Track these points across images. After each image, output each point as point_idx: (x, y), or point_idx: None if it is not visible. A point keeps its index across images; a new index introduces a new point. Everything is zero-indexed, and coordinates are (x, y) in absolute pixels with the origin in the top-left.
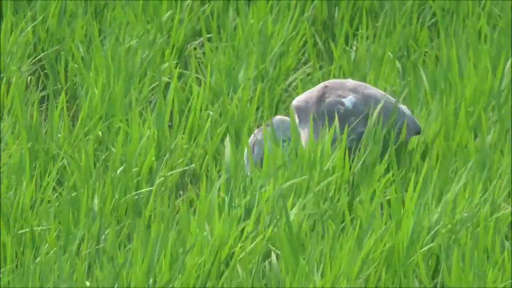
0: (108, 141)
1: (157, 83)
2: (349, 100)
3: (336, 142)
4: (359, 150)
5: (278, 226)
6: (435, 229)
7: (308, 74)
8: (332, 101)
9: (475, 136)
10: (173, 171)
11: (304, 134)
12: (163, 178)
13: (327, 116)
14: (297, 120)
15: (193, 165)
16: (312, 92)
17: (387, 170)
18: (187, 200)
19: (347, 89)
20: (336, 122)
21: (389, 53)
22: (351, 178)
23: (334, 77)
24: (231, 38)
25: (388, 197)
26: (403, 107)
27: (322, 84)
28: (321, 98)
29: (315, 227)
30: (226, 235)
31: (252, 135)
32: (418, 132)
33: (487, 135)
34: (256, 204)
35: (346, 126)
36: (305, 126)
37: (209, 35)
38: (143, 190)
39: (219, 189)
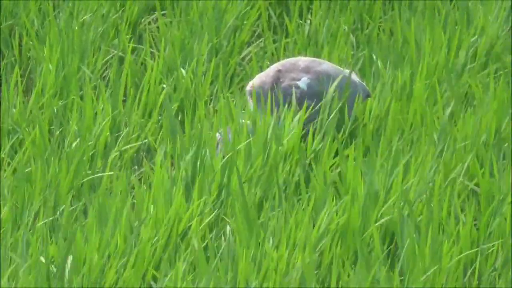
0: (63, 117)
1: (111, 55)
2: (303, 82)
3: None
4: (316, 127)
5: (231, 197)
6: (389, 202)
7: (262, 48)
8: (286, 85)
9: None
10: (128, 146)
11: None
12: (118, 153)
13: (285, 101)
14: (252, 105)
15: (148, 140)
16: (266, 77)
17: (343, 146)
18: (143, 175)
19: (299, 70)
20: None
21: (344, 26)
22: (309, 155)
23: (288, 51)
24: (185, 12)
25: (339, 171)
26: (353, 76)
27: (274, 68)
28: (275, 82)
29: (268, 198)
30: (180, 209)
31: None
32: (368, 96)
33: (445, 106)
34: (201, 173)
35: (305, 106)
36: (263, 112)
37: (163, 12)
38: (98, 165)
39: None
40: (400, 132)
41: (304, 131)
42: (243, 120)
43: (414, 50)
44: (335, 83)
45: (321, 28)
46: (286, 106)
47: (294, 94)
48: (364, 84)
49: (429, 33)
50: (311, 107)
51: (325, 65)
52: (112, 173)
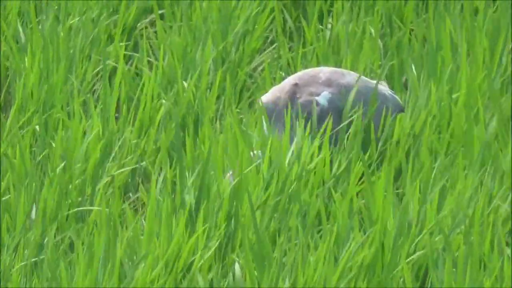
0: (47, 136)
1: (103, 65)
2: (323, 97)
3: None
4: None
5: (241, 230)
6: (422, 234)
7: (276, 57)
8: (305, 101)
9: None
10: (121, 170)
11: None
12: (109, 178)
13: (302, 120)
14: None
15: (144, 163)
16: (280, 91)
17: (370, 169)
18: (138, 203)
19: (320, 83)
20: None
21: (371, 29)
22: (330, 180)
23: (306, 60)
24: (187, 16)
25: (364, 199)
26: (382, 87)
27: (291, 81)
28: (292, 98)
29: (283, 230)
30: (180, 242)
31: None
32: (401, 110)
33: (487, 126)
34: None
35: (329, 125)
36: (279, 132)
37: (161, 11)
38: (87, 192)
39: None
40: (436, 153)
41: (321, 144)
42: (254, 152)
43: (450, 58)
44: (353, 94)
45: (344, 34)
46: (303, 126)
47: (314, 110)
48: (397, 97)
49: (468, 38)
50: (329, 123)
51: (350, 77)
52: (100, 205)
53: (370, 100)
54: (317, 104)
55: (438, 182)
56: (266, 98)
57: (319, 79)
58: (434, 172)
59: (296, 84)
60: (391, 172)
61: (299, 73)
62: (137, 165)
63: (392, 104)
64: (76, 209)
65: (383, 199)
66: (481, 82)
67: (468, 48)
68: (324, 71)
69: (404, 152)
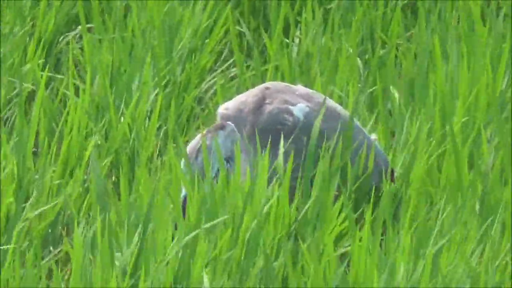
0: None
1: (16, 91)
2: (299, 109)
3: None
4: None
5: None
6: None
7: (232, 78)
8: (275, 109)
9: (470, 166)
10: (40, 210)
11: (241, 164)
12: (25, 227)
13: (268, 132)
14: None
15: (68, 209)
16: (247, 96)
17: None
18: (61, 258)
19: (296, 94)
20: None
21: (347, 46)
22: (292, 228)
23: (267, 81)
24: (121, 26)
25: (344, 250)
26: (373, 138)
27: (261, 86)
28: (260, 104)
29: None
30: None
31: (197, 139)
32: (386, 168)
33: (487, 162)
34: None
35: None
36: (241, 150)
37: (89, 25)
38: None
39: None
40: (430, 199)
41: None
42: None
43: (443, 79)
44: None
45: (315, 49)
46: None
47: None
48: (381, 150)
49: (467, 53)
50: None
51: (333, 104)
52: (13, 261)
53: (345, 136)
54: (290, 114)
55: (435, 234)
56: (229, 103)
57: (296, 90)
58: (426, 222)
59: (267, 88)
60: (379, 225)
61: (273, 82)
62: (59, 212)
63: (379, 158)
64: None
65: (364, 259)
66: (482, 111)
67: (469, 65)
68: (302, 88)
69: (389, 198)
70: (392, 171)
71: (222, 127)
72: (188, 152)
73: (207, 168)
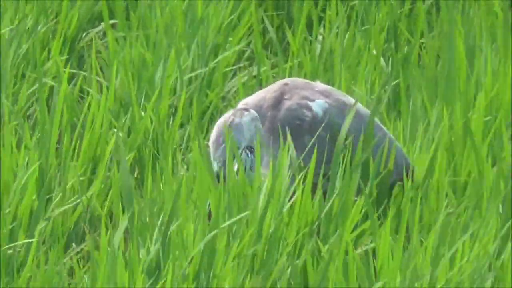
0: None
1: (37, 86)
2: (318, 105)
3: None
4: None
5: None
6: None
7: (254, 76)
8: (294, 104)
9: (493, 164)
10: (62, 209)
11: (262, 158)
12: (48, 224)
13: (287, 127)
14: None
15: (91, 205)
16: (266, 92)
17: (364, 216)
18: (84, 254)
19: (315, 90)
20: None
21: (371, 44)
22: (315, 227)
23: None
24: (145, 23)
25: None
26: (390, 135)
27: (280, 82)
28: (279, 100)
29: None
30: None
31: (226, 117)
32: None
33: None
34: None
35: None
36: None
37: (113, 21)
38: (20, 242)
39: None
40: (450, 195)
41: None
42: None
43: (464, 76)
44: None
45: (338, 46)
46: (287, 139)
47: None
48: (400, 147)
49: (490, 51)
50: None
51: (352, 100)
52: (36, 258)
53: (367, 134)
54: (309, 109)
55: (455, 231)
56: (248, 99)
57: (315, 87)
58: (446, 218)
59: (286, 84)
60: (403, 224)
61: (292, 78)
62: (81, 209)
63: (401, 157)
64: (7, 253)
65: (385, 254)
66: (506, 108)
67: (492, 62)
68: (321, 84)
69: (409, 195)
70: (413, 169)
71: (247, 110)
72: (216, 129)
73: (234, 146)
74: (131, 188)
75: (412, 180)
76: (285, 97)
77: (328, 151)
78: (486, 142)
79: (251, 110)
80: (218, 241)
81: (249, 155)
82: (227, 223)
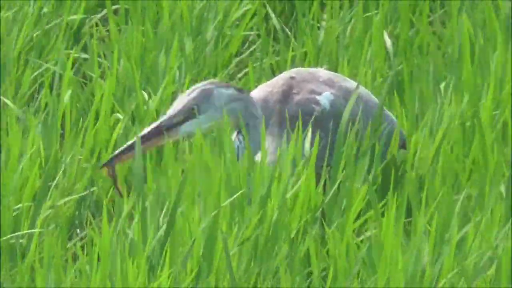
0: None
1: (43, 70)
2: (325, 98)
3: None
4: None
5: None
6: (441, 282)
7: (258, 63)
8: (303, 99)
9: (498, 151)
10: (67, 199)
11: (269, 146)
12: (52, 211)
13: (296, 121)
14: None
15: (95, 190)
16: (273, 86)
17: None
18: (87, 241)
19: (320, 81)
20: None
21: (375, 29)
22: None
23: (294, 65)
24: (148, 9)
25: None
26: (387, 112)
27: (286, 75)
28: (287, 94)
29: (265, 276)
30: None
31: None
32: (402, 146)
33: None
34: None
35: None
36: (268, 134)
37: (115, 6)
38: (24, 230)
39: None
40: (455, 181)
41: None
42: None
43: (469, 62)
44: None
45: (342, 32)
46: (299, 132)
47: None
48: (389, 113)
49: (500, 37)
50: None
51: (352, 83)
52: (39, 244)
53: (374, 118)
54: (317, 104)
55: (460, 216)
56: (254, 92)
57: (319, 77)
58: (451, 204)
59: (293, 78)
60: (403, 205)
61: (295, 69)
62: (86, 192)
63: (398, 132)
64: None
65: (389, 239)
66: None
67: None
68: (323, 72)
69: (415, 180)
70: (403, 137)
71: (227, 87)
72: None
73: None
74: (141, 175)
75: (404, 148)
76: (294, 91)
77: (334, 142)
78: (493, 130)
79: (233, 88)
80: (219, 225)
81: (242, 142)
82: (228, 200)
